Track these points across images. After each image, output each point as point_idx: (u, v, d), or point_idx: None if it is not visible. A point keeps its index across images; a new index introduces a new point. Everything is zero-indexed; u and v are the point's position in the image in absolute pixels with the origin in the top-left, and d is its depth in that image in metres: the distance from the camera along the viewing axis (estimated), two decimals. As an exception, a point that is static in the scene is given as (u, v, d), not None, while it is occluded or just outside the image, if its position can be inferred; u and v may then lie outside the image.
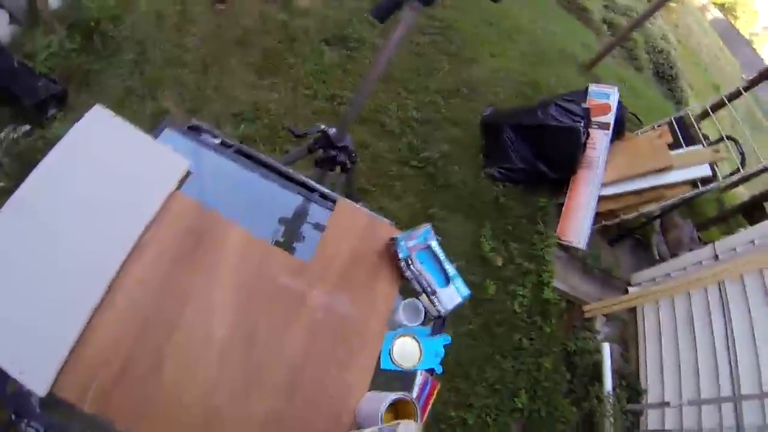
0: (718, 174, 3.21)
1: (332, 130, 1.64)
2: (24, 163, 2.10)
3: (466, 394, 2.49)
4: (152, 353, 1.03)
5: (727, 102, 3.72)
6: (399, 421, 1.00)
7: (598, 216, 3.31)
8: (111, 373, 0.99)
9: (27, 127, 2.22)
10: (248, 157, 1.41)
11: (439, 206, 2.98)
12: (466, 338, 2.64)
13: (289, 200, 1.38)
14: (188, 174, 1.25)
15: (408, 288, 1.39)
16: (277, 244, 1.28)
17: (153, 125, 1.31)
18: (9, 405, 1.00)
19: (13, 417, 1.00)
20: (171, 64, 2.76)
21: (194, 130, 1.40)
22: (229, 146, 1.41)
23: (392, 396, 1.06)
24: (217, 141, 1.40)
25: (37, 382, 0.94)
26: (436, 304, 1.36)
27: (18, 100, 2.24)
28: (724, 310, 2.75)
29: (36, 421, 0.97)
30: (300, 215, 1.38)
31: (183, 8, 2.98)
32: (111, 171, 1.13)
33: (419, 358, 1.30)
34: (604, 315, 3.14)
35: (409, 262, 1.37)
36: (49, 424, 0.97)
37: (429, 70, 3.61)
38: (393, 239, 1.40)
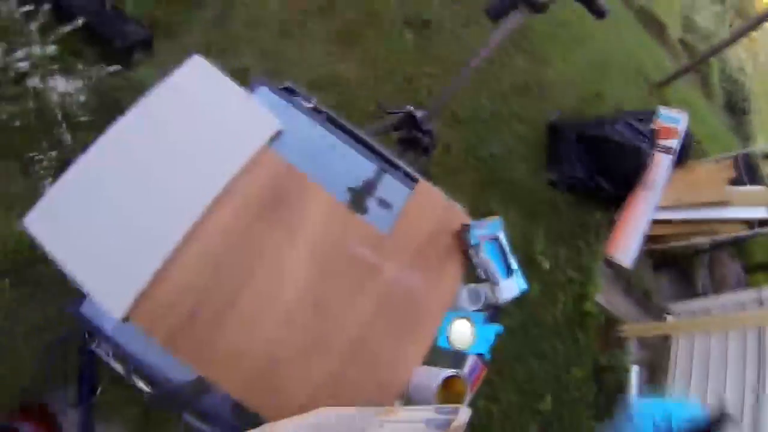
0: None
1: (420, 113, 1.68)
2: (107, 101, 2.20)
3: (496, 387, 2.54)
4: (224, 300, 1.06)
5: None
6: (458, 406, 1.05)
7: (649, 239, 3.27)
8: (183, 310, 1.03)
9: (117, 67, 2.31)
10: (338, 125, 1.43)
11: (497, 200, 3.01)
12: (506, 332, 2.66)
13: (373, 172, 1.41)
14: (279, 133, 1.27)
15: (471, 274, 1.43)
16: (357, 210, 1.31)
17: (237, 81, 1.35)
18: (84, 323, 1.07)
19: (86, 335, 1.07)
20: (252, 24, 2.79)
21: (288, 92, 1.43)
22: (321, 112, 1.44)
23: (447, 372, 1.11)
24: (310, 105, 1.43)
25: (116, 305, 0.98)
26: (497, 293, 1.41)
27: (108, 41, 2.32)
28: (760, 356, 2.70)
29: (107, 343, 1.04)
30: (380, 188, 1.40)
31: None
32: (206, 119, 1.16)
33: (472, 342, 1.35)
34: (638, 337, 3.13)
35: (478, 249, 1.42)
36: (119, 348, 1.04)
37: (502, 63, 3.59)
38: (465, 225, 1.44)
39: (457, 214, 1.48)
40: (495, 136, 3.23)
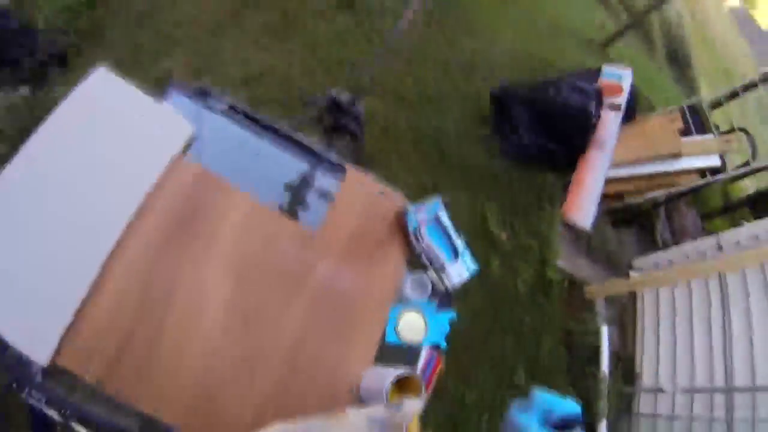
0: (727, 165, 3.17)
1: (344, 97, 1.59)
2: (27, 125, 2.03)
3: (467, 367, 2.49)
4: (152, 324, 1.00)
5: (740, 93, 3.64)
6: (404, 399, 0.99)
7: (605, 198, 3.27)
8: (110, 347, 0.96)
9: (26, 89, 2.15)
10: (256, 122, 1.37)
11: (447, 179, 2.94)
12: (469, 312, 2.62)
13: (297, 167, 1.34)
14: (193, 138, 1.21)
15: (415, 261, 1.36)
16: (282, 211, 1.24)
17: (162, 84, 1.26)
18: (9, 373, 0.96)
19: (13, 385, 0.96)
20: (183, 22, 2.65)
21: (202, 94, 1.36)
22: (238, 111, 1.37)
23: (398, 373, 1.04)
24: (225, 105, 1.36)
25: (39, 350, 0.91)
26: (444, 279, 1.34)
27: (16, 62, 2.18)
28: (723, 302, 2.74)
29: (37, 391, 0.94)
30: (307, 183, 1.34)
31: None
32: (115, 133, 1.10)
33: (424, 333, 1.29)
34: (604, 297, 3.13)
35: (418, 234, 1.34)
36: (50, 394, 0.94)
37: (447, 43, 3.51)
38: (402, 211, 1.36)
39: (394, 199, 1.41)
40: (441, 114, 3.17)
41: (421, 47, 3.38)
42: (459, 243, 1.41)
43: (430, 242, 1.35)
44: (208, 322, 1.04)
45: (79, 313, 0.95)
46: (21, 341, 0.90)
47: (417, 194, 1.37)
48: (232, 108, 1.36)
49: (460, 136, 3.16)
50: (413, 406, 0.92)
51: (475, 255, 2.69)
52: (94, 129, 1.08)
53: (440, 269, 1.34)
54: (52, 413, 0.99)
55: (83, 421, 0.97)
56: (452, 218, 2.75)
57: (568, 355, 2.83)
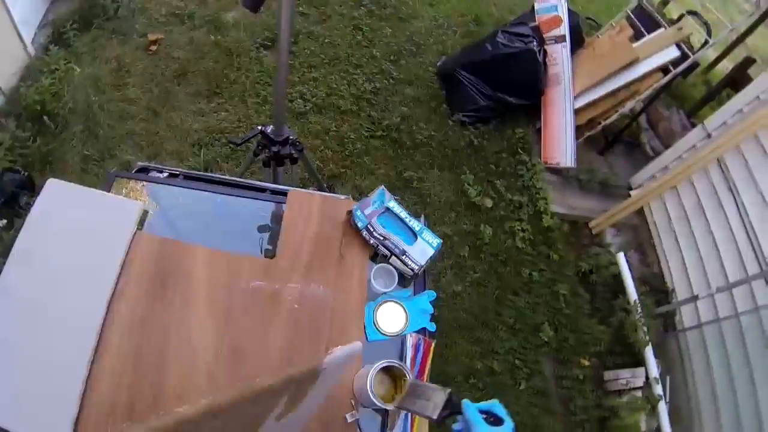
0: (688, 53, 3.08)
1: (269, 128, 1.61)
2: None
3: (488, 341, 2.44)
4: (153, 386, 1.04)
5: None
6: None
7: (580, 129, 3.19)
8: (119, 417, 1.00)
9: (3, 221, 2.26)
10: (198, 179, 1.46)
11: (414, 167, 2.91)
12: (475, 287, 2.58)
13: (247, 207, 1.42)
14: (145, 213, 1.29)
15: (378, 257, 1.35)
16: (242, 250, 1.29)
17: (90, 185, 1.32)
18: None
19: None
20: (120, 120, 2.74)
21: (143, 171, 1.45)
22: (176, 175, 1.46)
23: (375, 368, 1.02)
24: (164, 174, 1.45)
25: None
26: (409, 262, 1.32)
27: None
28: (730, 186, 2.64)
29: None
30: (261, 217, 1.41)
31: (116, 65, 2.93)
32: (75, 233, 1.18)
33: (406, 322, 1.27)
34: (612, 226, 3.05)
35: (371, 229, 1.33)
36: None
37: (371, 39, 3.50)
38: (349, 212, 1.36)
39: (340, 203, 1.44)
40: (387, 109, 3.14)
41: (357, 51, 3.39)
42: (415, 224, 1.39)
43: (385, 232, 1.34)
44: (201, 368, 1.08)
45: (83, 402, 1.00)
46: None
47: (389, 189, 1.39)
48: (171, 174, 1.45)
49: (417, 120, 3.13)
50: (440, 394, 0.88)
51: (463, 229, 2.69)
52: (57, 234, 1.17)
53: (401, 255, 1.32)
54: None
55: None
56: (431, 199, 2.74)
57: (590, 295, 2.75)
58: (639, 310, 2.59)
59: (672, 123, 3.49)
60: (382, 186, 1.44)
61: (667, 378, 2.57)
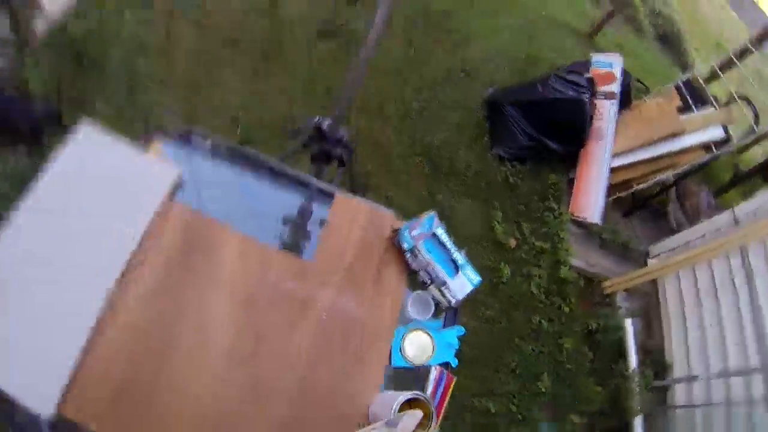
0: (732, 136, 3.09)
1: (326, 123, 1.58)
2: (24, 189, 2.08)
3: (488, 380, 2.44)
4: (155, 369, 0.99)
5: (736, 60, 3.58)
6: (405, 411, 0.96)
7: (612, 188, 3.21)
8: (114, 390, 0.96)
9: (23, 152, 2.19)
10: (243, 157, 1.36)
11: (446, 192, 2.92)
12: (484, 324, 2.58)
13: (288, 199, 1.33)
14: (181, 182, 1.21)
15: (416, 280, 1.33)
16: (276, 244, 1.23)
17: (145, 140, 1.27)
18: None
19: None
20: (161, 85, 2.71)
21: (186, 137, 1.35)
22: (222, 149, 1.36)
23: (404, 396, 1.01)
24: (209, 145, 1.35)
25: (43, 403, 0.91)
26: (447, 294, 1.31)
27: (13, 127, 2.22)
28: (747, 276, 2.65)
29: None
30: (299, 213, 1.32)
31: (166, 28, 2.90)
32: (102, 187, 1.11)
33: (432, 353, 1.25)
34: (624, 290, 3.05)
35: (416, 252, 1.31)
36: None
37: (422, 57, 3.50)
38: (396, 230, 1.34)
39: (386, 218, 1.39)
40: (430, 130, 3.14)
41: (406, 66, 3.39)
42: (458, 256, 1.37)
43: (428, 259, 1.32)
44: (211, 359, 1.03)
45: (82, 360, 0.95)
46: (24, 395, 0.91)
47: (417, 209, 1.36)
48: (216, 147, 1.35)
49: (457, 146, 3.14)
50: (412, 418, 0.89)
51: (484, 264, 2.68)
52: (83, 185, 1.10)
53: (441, 285, 1.30)
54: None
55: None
56: (456, 229, 2.74)
57: (593, 354, 2.75)
58: (637, 379, 2.59)
59: (700, 200, 3.51)
60: (433, 211, 1.43)
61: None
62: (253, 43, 3.03)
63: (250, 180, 1.32)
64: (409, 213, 1.42)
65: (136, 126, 2.48)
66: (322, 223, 1.31)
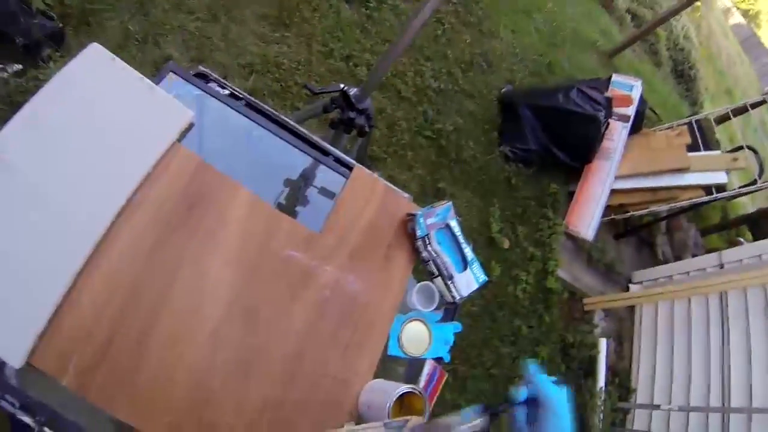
0: (732, 182, 3.14)
1: (353, 90, 1.50)
2: (14, 106, 1.94)
3: (463, 376, 2.43)
4: (139, 327, 0.91)
5: (750, 108, 3.61)
6: (408, 417, 0.92)
7: (608, 209, 3.22)
8: (94, 345, 0.87)
9: (18, 66, 2.04)
10: (259, 112, 1.25)
11: (449, 180, 2.87)
12: (467, 319, 2.56)
13: (301, 162, 1.24)
14: (191, 126, 1.10)
15: (420, 269, 1.28)
16: (284, 209, 1.14)
17: (154, 72, 1.15)
18: None
19: None
20: (176, 9, 2.55)
21: (201, 78, 1.23)
22: (239, 98, 1.25)
23: (402, 388, 0.96)
24: (226, 92, 1.24)
25: (12, 352, 0.82)
26: (452, 289, 1.26)
27: (10, 39, 2.07)
28: (723, 321, 2.72)
29: (11, 395, 0.86)
30: (311, 180, 1.24)
31: None
32: (105, 117, 0.99)
33: (428, 346, 1.21)
34: (603, 309, 3.09)
35: (427, 241, 1.26)
36: (25, 399, 0.86)
37: (448, 39, 3.43)
38: (411, 215, 1.28)
39: (401, 201, 1.31)
40: (443, 113, 3.08)
41: (432, 44, 3.31)
42: (468, 252, 1.33)
43: (438, 250, 1.27)
44: (204, 324, 0.96)
45: (61, 308, 0.86)
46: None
47: (420, 193, 1.29)
48: (233, 95, 1.24)
49: (467, 136, 3.09)
50: (419, 426, 0.86)
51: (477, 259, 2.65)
52: (83, 112, 0.98)
53: (448, 279, 1.26)
54: (27, 419, 0.91)
55: (56, 428, 0.90)
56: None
57: (565, 367, 2.78)
58: (603, 397, 2.64)
59: (688, 237, 3.57)
60: (450, 202, 1.37)
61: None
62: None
63: (263, 136, 1.21)
64: (411, 195, 1.36)
65: (147, 52, 2.35)
66: (330, 194, 1.24)
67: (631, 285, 3.29)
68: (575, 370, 2.80)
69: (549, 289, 2.87)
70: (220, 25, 2.63)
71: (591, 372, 2.79)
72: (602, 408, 2.62)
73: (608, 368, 2.83)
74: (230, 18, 2.67)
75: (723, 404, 2.50)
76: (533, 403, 0.72)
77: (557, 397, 0.71)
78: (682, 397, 2.67)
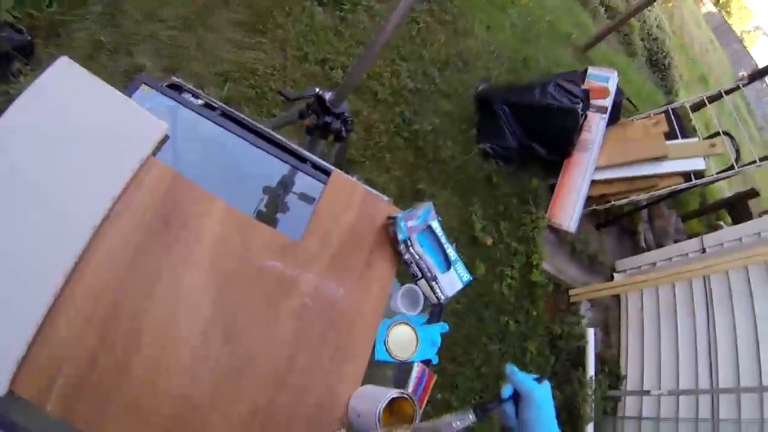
0: (710, 168, 3.19)
1: (329, 95, 1.49)
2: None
3: (452, 375, 2.43)
4: (122, 347, 0.90)
5: (724, 95, 3.67)
6: (397, 428, 0.92)
7: (589, 200, 3.26)
8: (76, 368, 0.86)
9: None
10: (234, 121, 1.23)
11: (428, 181, 2.86)
12: (453, 318, 2.57)
13: (278, 170, 1.23)
14: (166, 138, 1.08)
15: (404, 272, 1.28)
16: (262, 218, 1.13)
17: (127, 82, 1.14)
18: None
19: None
20: (148, 18, 2.53)
21: (174, 89, 1.21)
22: (214, 108, 1.23)
23: (390, 394, 0.96)
24: (200, 102, 1.22)
25: None
26: (437, 291, 1.26)
27: None
28: (707, 304, 2.76)
29: None
30: (289, 187, 1.23)
31: None
32: (77, 133, 0.97)
33: (415, 349, 1.20)
34: (589, 300, 3.12)
35: (409, 244, 1.26)
36: (8, 425, 0.84)
37: (424, 38, 3.44)
38: (392, 218, 1.28)
39: (381, 205, 1.31)
40: (420, 114, 3.09)
41: (408, 44, 3.31)
42: (451, 252, 1.33)
43: (421, 251, 1.27)
44: (185, 339, 0.94)
45: (37, 337, 0.84)
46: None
47: (399, 195, 1.29)
48: (208, 105, 1.23)
49: (445, 136, 3.10)
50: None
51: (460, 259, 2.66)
52: (55, 128, 0.96)
53: (432, 280, 1.25)
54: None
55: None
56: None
57: (554, 359, 2.80)
58: (593, 387, 2.66)
59: (669, 224, 3.61)
60: (431, 203, 1.37)
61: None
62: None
63: (239, 145, 1.20)
64: (390, 197, 1.36)
65: (119, 62, 2.31)
66: (309, 200, 1.23)
67: (615, 274, 3.33)
68: (564, 361, 2.82)
69: (534, 283, 2.89)
70: (194, 34, 2.61)
71: (580, 362, 2.82)
72: (593, 397, 2.65)
73: (597, 357, 2.85)
74: (205, 26, 2.65)
75: (712, 386, 2.54)
76: (519, 398, 0.81)
77: (537, 391, 0.80)
78: (671, 381, 2.70)
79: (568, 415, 2.66)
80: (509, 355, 2.65)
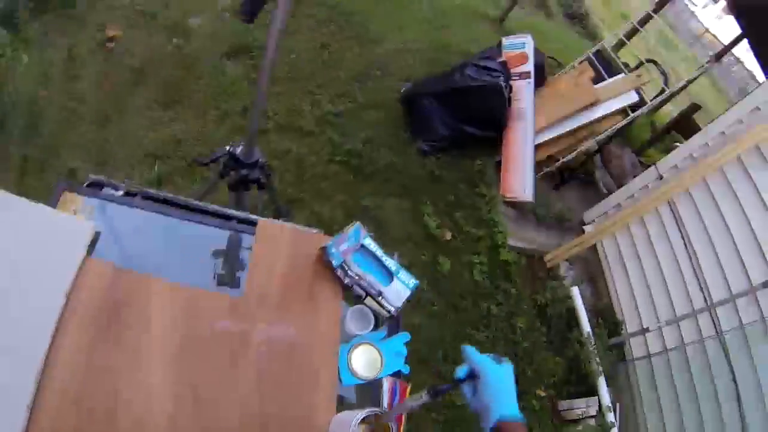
0: (645, 98, 3.25)
1: (239, 149, 1.53)
2: None
3: (449, 372, 2.41)
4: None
5: (639, 27, 3.76)
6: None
7: (538, 164, 3.27)
8: None
9: None
10: (157, 200, 1.29)
11: (372, 195, 2.87)
12: (432, 319, 2.57)
13: (209, 234, 1.27)
14: (98, 235, 1.13)
15: (353, 294, 1.30)
16: (204, 284, 1.17)
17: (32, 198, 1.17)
18: None
19: None
20: (68, 121, 2.56)
21: (95, 186, 1.27)
22: (134, 194, 1.28)
23: (360, 415, 0.97)
24: (120, 192, 1.27)
25: None
26: (385, 304, 1.28)
27: None
28: (678, 225, 2.78)
29: None
30: (227, 247, 1.27)
31: (69, 57, 2.75)
32: (10, 255, 1.00)
33: (381, 366, 1.22)
34: (566, 260, 3.15)
35: (345, 267, 1.28)
36: None
37: (336, 59, 3.48)
38: (323, 248, 1.30)
39: (312, 238, 1.36)
40: (349, 133, 3.10)
41: (321, 71, 3.35)
42: (391, 263, 1.35)
43: (359, 271, 1.30)
44: (157, 417, 0.97)
45: None
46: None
47: (345, 218, 1.32)
48: (128, 193, 1.28)
49: (379, 145, 3.11)
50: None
51: (421, 260, 2.68)
52: None
53: (378, 296, 1.28)
54: None
55: None
56: (388, 231, 2.71)
57: (546, 328, 2.82)
58: (592, 342, 2.68)
59: (624, 162, 3.66)
60: (358, 222, 1.40)
61: (617, 405, 2.66)
62: (161, 71, 2.91)
63: (171, 222, 1.25)
64: (339, 223, 1.39)
65: (49, 170, 2.33)
66: (245, 253, 1.26)
67: (585, 227, 3.36)
68: (557, 327, 2.83)
69: (505, 262, 2.89)
70: (114, 124, 2.64)
71: (574, 323, 2.83)
72: (596, 352, 2.66)
73: (590, 312, 2.87)
74: (121, 113, 2.68)
75: (707, 303, 2.54)
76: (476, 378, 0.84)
77: (492, 369, 0.84)
78: (667, 311, 2.70)
79: (578, 376, 2.67)
80: (500, 339, 2.65)
